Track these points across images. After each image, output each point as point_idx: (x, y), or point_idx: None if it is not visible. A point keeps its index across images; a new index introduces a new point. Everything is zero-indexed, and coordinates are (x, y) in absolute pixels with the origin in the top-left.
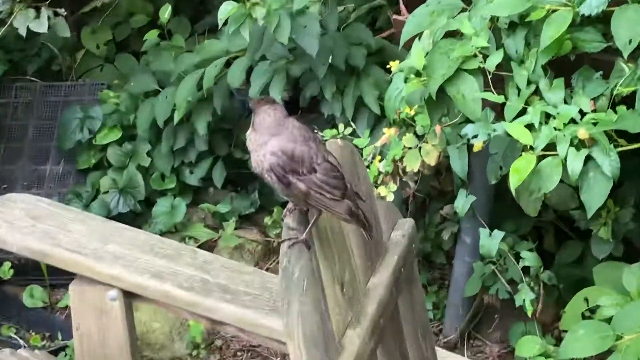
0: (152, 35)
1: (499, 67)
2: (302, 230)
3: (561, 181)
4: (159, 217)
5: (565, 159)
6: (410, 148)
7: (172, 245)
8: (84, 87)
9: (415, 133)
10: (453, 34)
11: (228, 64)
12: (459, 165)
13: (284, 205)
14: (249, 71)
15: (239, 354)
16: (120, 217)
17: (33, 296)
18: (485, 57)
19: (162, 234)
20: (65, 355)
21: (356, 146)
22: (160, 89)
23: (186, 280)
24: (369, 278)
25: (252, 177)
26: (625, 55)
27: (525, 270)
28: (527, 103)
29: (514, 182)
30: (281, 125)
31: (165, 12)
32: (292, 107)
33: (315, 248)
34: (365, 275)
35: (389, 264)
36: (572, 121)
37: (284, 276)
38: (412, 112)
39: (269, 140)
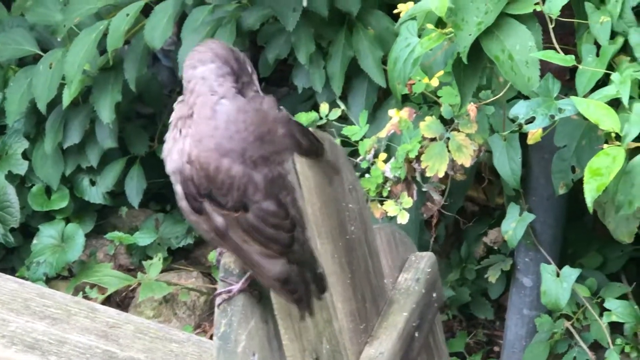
0: None
1: (565, 10)
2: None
3: None
4: (42, 255)
5: None
6: (432, 140)
7: (59, 300)
8: None
9: (440, 117)
10: None
11: (147, 11)
12: (507, 166)
13: None
14: (180, 22)
15: None
16: None
17: None
18: None
19: (47, 280)
20: None
21: (346, 138)
22: (42, 53)
23: (81, 354)
24: (362, 348)
25: None
26: None
27: (616, 327)
28: (612, 67)
29: (591, 191)
30: (234, 99)
31: None
32: None
33: (272, 301)
34: (355, 343)
35: (395, 324)
36: None
37: (223, 350)
38: (434, 84)
39: (191, 129)
